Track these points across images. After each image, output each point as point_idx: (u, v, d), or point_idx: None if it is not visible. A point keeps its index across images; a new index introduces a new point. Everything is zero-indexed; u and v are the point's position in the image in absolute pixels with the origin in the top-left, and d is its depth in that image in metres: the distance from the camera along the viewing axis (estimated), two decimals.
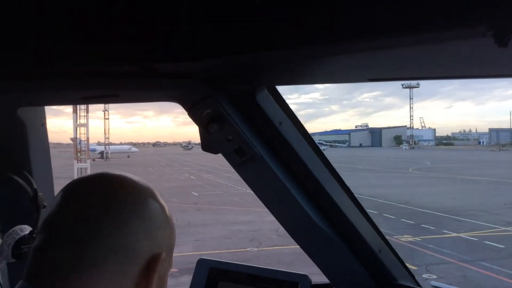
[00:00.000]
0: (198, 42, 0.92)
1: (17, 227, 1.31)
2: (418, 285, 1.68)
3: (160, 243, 0.87)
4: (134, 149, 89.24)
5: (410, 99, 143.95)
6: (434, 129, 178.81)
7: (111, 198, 0.83)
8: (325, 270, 1.57)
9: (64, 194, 0.85)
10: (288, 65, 1.01)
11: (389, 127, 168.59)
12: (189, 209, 20.07)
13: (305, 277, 1.50)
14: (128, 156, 75.46)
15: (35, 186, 1.37)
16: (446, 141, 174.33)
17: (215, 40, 0.90)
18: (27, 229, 1.32)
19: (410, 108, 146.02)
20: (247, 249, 12.97)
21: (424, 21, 0.69)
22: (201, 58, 0.95)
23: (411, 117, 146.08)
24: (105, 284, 0.77)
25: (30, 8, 0.96)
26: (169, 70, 1.08)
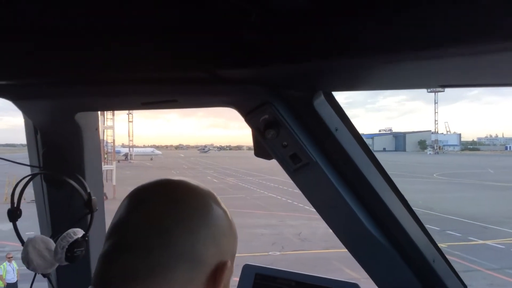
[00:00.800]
0: (262, 48, 0.95)
1: (71, 230, 1.35)
2: None
3: (225, 251, 0.85)
4: (157, 151, 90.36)
5: (435, 103, 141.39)
6: (460, 134, 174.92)
7: (178, 205, 0.81)
8: (375, 278, 1.54)
9: (131, 201, 0.84)
10: (350, 72, 1.02)
11: (413, 132, 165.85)
12: None
13: (355, 286, 1.46)
14: (151, 159, 76.25)
15: (88, 190, 1.41)
16: (471, 146, 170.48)
17: (279, 47, 0.93)
18: (80, 232, 1.36)
19: (435, 112, 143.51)
20: (269, 253, 12.95)
21: (497, 29, 0.71)
22: (264, 64, 0.98)
23: (436, 122, 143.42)
24: None
25: (93, 14, 0.99)
26: (231, 76, 1.09)
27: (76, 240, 1.33)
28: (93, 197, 1.40)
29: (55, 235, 1.44)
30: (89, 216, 1.46)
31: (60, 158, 1.47)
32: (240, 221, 17.89)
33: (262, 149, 1.33)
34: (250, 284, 1.59)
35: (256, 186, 28.49)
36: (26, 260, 1.35)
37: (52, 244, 1.39)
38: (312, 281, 1.52)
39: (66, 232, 1.34)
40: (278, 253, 12.97)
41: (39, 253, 1.36)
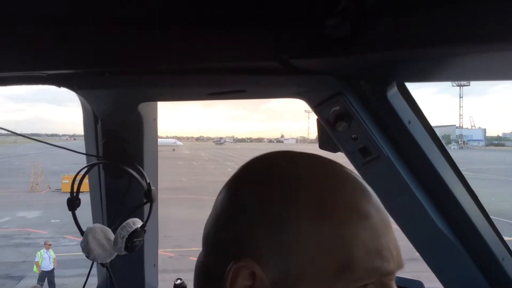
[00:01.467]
0: (341, 38, 0.92)
1: (130, 220, 1.36)
2: None
3: (381, 253, 0.60)
4: (178, 142, 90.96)
5: (460, 97, 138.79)
6: (484, 129, 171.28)
7: (322, 187, 0.61)
8: (441, 276, 1.50)
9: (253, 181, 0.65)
10: (426, 62, 0.99)
11: (437, 126, 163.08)
12: None
13: (419, 284, 1.42)
14: (173, 150, 76.89)
15: (148, 180, 1.41)
16: (496, 142, 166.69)
17: (359, 37, 0.91)
18: (138, 222, 1.37)
19: (460, 106, 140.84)
20: None
21: None
22: (340, 54, 0.95)
23: (461, 116, 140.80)
24: None
25: (161, 2, 0.98)
26: (305, 66, 1.07)
27: (135, 230, 1.35)
28: (152, 188, 1.41)
29: (111, 225, 1.46)
30: (144, 206, 1.47)
31: (120, 148, 1.47)
32: None
33: (327, 141, 1.30)
34: None
35: None
36: (86, 249, 1.37)
37: (110, 233, 1.41)
38: None
39: (126, 222, 1.36)
40: None
41: (99, 243, 1.38)
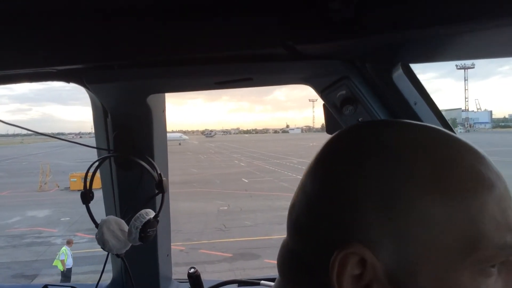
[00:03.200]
0: (346, 21, 0.92)
1: (143, 211, 1.38)
2: None
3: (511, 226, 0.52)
4: (184, 136, 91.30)
5: (465, 80, 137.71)
6: (491, 111, 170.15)
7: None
8: None
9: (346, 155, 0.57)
10: (431, 42, 0.99)
11: (443, 110, 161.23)
12: (240, 195, 20.29)
13: None
14: (180, 144, 77.02)
15: (159, 171, 1.43)
16: (503, 124, 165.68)
17: (363, 19, 0.91)
18: (151, 213, 1.39)
19: (465, 89, 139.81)
20: None
21: None
22: (346, 38, 0.96)
23: (466, 99, 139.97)
24: None
25: None
26: (311, 51, 1.07)
27: (149, 221, 1.37)
28: (163, 178, 1.43)
29: (124, 217, 1.48)
30: (156, 197, 1.49)
31: (131, 141, 1.49)
32: (269, 203, 18.00)
33: (334, 126, 1.31)
34: None
35: (283, 168, 28.49)
36: (102, 241, 1.40)
37: (124, 224, 1.43)
38: None
39: (139, 212, 1.38)
40: None
41: (113, 234, 1.40)
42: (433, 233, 0.50)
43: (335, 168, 0.57)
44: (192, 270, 1.68)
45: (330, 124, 1.33)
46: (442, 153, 0.54)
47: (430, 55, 1.15)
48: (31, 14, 1.06)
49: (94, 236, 1.42)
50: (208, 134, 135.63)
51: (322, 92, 1.25)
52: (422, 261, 0.50)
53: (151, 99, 1.43)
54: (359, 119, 1.24)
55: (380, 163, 0.54)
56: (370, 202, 0.52)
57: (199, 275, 1.68)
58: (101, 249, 1.43)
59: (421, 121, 1.21)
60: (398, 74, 1.18)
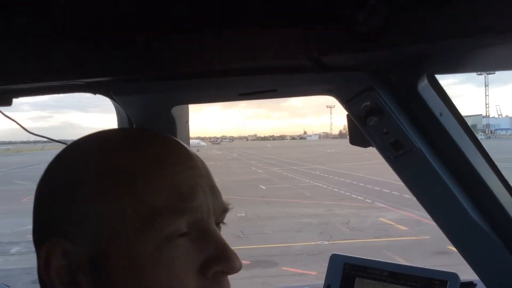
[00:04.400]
0: (373, 32, 0.92)
1: None
2: None
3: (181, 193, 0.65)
4: (202, 143, 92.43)
5: (486, 86, 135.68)
6: None
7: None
8: (477, 268, 1.50)
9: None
10: (457, 54, 0.99)
11: (463, 116, 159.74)
12: (258, 202, 20.27)
13: (454, 276, 1.40)
14: (198, 150, 77.49)
15: None
16: None
17: (390, 30, 0.91)
18: None
19: (486, 95, 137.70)
20: (317, 242, 12.88)
21: None
22: (372, 49, 0.96)
23: (487, 105, 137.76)
24: None
25: (192, 5, 0.98)
26: (335, 63, 1.08)
27: None
28: None
29: None
30: None
31: None
32: (286, 210, 17.92)
33: (358, 137, 1.32)
34: (339, 274, 1.54)
35: (300, 175, 28.40)
36: None
37: None
38: (406, 271, 1.44)
39: None
40: (327, 242, 12.85)
41: None
42: (111, 217, 0.60)
43: (46, 184, 0.69)
44: None
45: (354, 134, 1.33)
46: (100, 158, 0.65)
47: (456, 66, 1.15)
48: (61, 29, 1.09)
49: None
50: (214, 141, 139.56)
51: (346, 103, 1.25)
52: (109, 242, 0.59)
53: (176, 110, 1.44)
54: (384, 130, 1.23)
55: (61, 165, 0.69)
56: (57, 199, 0.63)
57: None
58: None
59: (447, 132, 1.23)
60: (423, 85, 1.18)
